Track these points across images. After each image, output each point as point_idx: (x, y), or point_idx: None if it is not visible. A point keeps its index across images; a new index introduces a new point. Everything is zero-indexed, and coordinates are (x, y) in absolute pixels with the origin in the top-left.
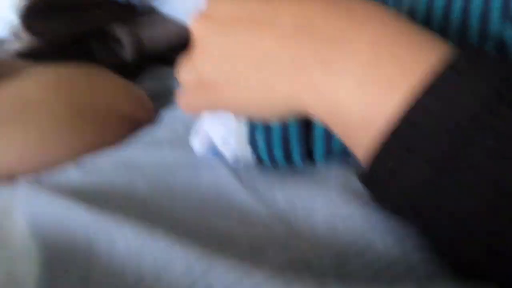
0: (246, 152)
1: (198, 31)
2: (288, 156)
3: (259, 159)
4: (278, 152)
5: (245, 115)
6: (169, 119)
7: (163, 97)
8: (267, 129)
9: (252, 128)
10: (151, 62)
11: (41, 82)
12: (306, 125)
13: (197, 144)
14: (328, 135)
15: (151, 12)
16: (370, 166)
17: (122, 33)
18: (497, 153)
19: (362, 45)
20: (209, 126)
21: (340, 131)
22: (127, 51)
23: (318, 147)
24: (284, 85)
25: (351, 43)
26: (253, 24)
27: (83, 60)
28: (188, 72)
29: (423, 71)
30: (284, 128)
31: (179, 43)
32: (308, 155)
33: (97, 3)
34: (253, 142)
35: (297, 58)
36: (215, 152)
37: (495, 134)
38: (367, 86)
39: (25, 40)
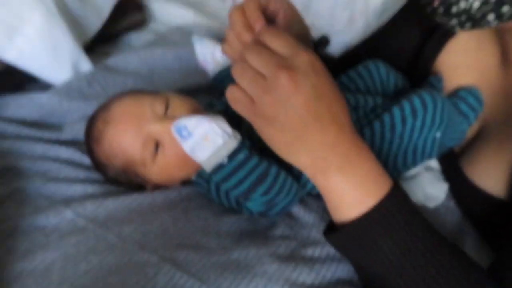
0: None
1: (288, 82)
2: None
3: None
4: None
5: (270, 145)
6: None
7: None
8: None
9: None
10: None
11: None
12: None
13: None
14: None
15: None
16: (345, 228)
17: None
18: (396, 235)
19: (362, 171)
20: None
21: (331, 202)
22: None
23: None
24: (308, 161)
25: (353, 171)
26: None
27: None
28: (257, 88)
29: (383, 191)
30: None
31: None
32: None
33: None
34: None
35: (329, 156)
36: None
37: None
38: (356, 191)
39: None
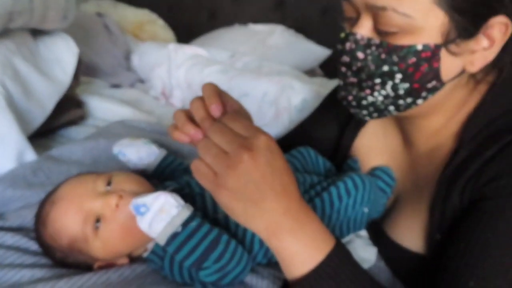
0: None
1: (249, 160)
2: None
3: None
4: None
5: (229, 213)
6: None
7: None
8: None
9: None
10: None
11: None
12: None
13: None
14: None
15: None
16: (299, 284)
17: None
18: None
19: (310, 231)
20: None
21: (285, 261)
22: None
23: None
24: (263, 225)
25: (303, 232)
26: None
27: None
28: (221, 166)
29: (329, 247)
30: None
31: None
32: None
33: None
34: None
35: (281, 220)
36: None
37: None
38: (306, 248)
39: None
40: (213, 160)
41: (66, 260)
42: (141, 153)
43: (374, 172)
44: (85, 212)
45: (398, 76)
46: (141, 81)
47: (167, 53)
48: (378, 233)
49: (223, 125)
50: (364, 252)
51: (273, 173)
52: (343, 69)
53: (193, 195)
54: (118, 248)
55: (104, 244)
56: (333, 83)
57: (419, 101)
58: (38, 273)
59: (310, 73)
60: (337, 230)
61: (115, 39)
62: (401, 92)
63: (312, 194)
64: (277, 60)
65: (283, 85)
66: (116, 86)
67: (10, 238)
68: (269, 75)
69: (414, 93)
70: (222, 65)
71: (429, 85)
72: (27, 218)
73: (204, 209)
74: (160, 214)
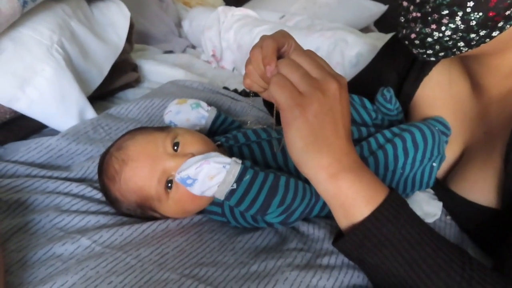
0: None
1: (336, 89)
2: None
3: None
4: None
5: (293, 141)
6: None
7: None
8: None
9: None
10: None
11: None
12: None
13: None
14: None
15: None
16: (361, 226)
17: None
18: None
19: (369, 175)
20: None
21: (343, 206)
22: None
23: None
24: (327, 162)
25: (362, 174)
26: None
27: None
28: (307, 84)
29: (386, 191)
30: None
31: None
32: None
33: None
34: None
35: (343, 159)
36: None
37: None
38: (367, 189)
39: None
40: (301, 79)
41: (133, 213)
42: (191, 119)
43: (428, 122)
44: (159, 173)
45: (470, 4)
46: (193, 47)
47: (216, 16)
48: (441, 189)
49: (309, 54)
50: (429, 206)
51: (348, 113)
52: (405, 3)
53: (240, 147)
54: (189, 208)
55: (176, 204)
56: (390, 37)
57: (495, 33)
58: (102, 219)
59: (365, 31)
60: (401, 187)
61: (166, 6)
62: (474, 23)
63: (366, 150)
64: (329, 19)
65: (336, 39)
66: (168, 52)
67: (75, 188)
68: (321, 30)
69: (489, 23)
70: (272, 24)
71: (508, 12)
72: (89, 170)
73: (253, 158)
74: (210, 181)
